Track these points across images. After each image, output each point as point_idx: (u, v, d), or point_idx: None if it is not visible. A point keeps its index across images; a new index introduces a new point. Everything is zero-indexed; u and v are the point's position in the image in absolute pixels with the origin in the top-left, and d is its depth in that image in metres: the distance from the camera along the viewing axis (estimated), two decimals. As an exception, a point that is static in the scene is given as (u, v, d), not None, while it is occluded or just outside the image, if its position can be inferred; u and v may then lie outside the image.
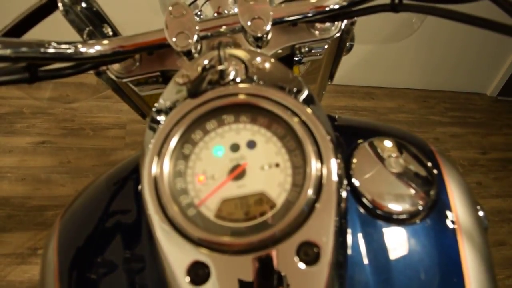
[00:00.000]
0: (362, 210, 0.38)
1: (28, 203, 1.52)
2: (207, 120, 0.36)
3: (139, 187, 0.44)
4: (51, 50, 0.39)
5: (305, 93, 0.37)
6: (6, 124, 1.78)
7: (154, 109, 0.39)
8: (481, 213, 0.44)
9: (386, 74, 2.57)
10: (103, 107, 1.95)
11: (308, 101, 0.37)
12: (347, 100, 2.40)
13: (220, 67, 0.36)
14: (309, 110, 0.35)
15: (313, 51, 0.57)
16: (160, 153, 0.34)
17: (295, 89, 0.37)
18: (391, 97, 2.53)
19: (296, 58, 0.57)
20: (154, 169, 0.33)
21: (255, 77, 0.38)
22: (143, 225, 0.42)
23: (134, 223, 0.43)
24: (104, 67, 0.53)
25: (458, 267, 0.37)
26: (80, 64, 0.45)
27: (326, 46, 0.57)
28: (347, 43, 0.68)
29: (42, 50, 0.39)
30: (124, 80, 0.54)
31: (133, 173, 0.48)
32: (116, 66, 0.53)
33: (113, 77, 0.54)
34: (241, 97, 0.35)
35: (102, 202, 0.46)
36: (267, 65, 0.39)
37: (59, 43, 0.40)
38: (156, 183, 0.33)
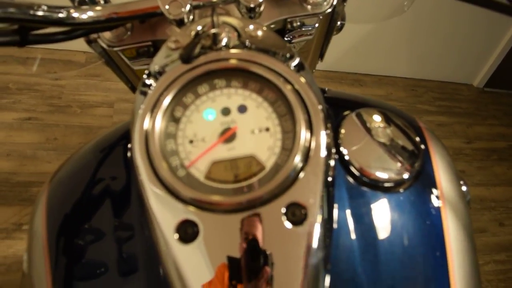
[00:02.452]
0: (349, 178, 0.38)
1: (13, 179, 1.50)
2: (199, 84, 0.36)
3: (128, 153, 0.44)
4: (42, 13, 0.39)
5: (297, 61, 0.37)
6: (-10, 99, 1.75)
7: (145, 74, 0.39)
8: (464, 188, 0.46)
9: (375, 62, 2.58)
10: (91, 85, 1.92)
11: (300, 68, 0.37)
12: (336, 86, 2.41)
13: (213, 31, 0.36)
14: (301, 78, 0.35)
15: (303, 28, 0.57)
16: (151, 114, 0.34)
17: (287, 56, 0.38)
18: (379, 85, 2.54)
19: (287, 38, 0.57)
20: (145, 129, 0.33)
21: (247, 44, 0.38)
22: (132, 191, 0.42)
23: (123, 189, 0.44)
24: (95, 35, 0.53)
25: (441, 235, 0.38)
26: (72, 30, 0.45)
27: (317, 25, 0.57)
28: (339, 22, 0.68)
29: (33, 12, 0.38)
30: (115, 48, 0.53)
31: (122, 139, 0.48)
32: (107, 34, 0.52)
33: (104, 45, 0.53)
34: (233, 62, 0.36)
35: (90, 168, 0.46)
36: (259, 32, 0.39)
37: (51, 6, 0.40)
38: (147, 142, 0.33)
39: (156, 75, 0.39)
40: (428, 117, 2.43)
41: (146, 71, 0.40)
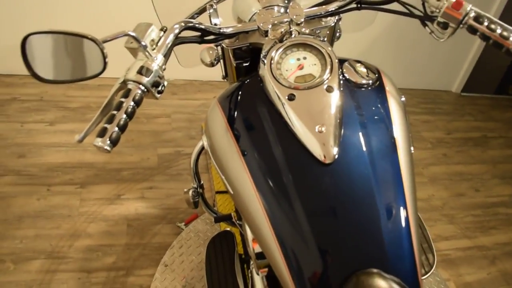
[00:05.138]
0: (349, 84, 0.92)
1: (108, 167, 2.05)
2: (287, 49, 0.91)
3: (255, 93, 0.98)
4: (212, 28, 0.94)
5: (324, 39, 0.93)
6: (79, 114, 2.33)
7: (262, 53, 0.93)
8: (403, 98, 0.99)
9: (369, 76, 3.17)
10: (151, 102, 2.50)
11: (324, 41, 0.92)
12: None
13: (291, 29, 0.92)
14: (326, 45, 0.90)
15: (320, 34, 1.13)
16: (271, 61, 0.89)
17: (320, 39, 0.93)
18: (374, 94, 3.12)
19: None
20: (271, 67, 0.88)
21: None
22: (261, 96, 0.94)
23: (259, 94, 0.94)
24: (221, 41, 1.08)
25: (388, 107, 0.91)
26: (217, 38, 0.99)
27: (328, 32, 1.14)
28: (338, 33, 1.24)
29: (210, 28, 0.94)
30: (229, 48, 1.09)
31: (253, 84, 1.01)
32: (226, 41, 1.08)
33: (224, 46, 1.08)
34: (300, 40, 0.91)
35: (240, 89, 0.97)
36: (307, 31, 0.95)
37: (215, 26, 0.95)
38: (272, 74, 0.87)
39: (266, 52, 0.93)
40: (414, 116, 2.99)
41: (264, 50, 0.94)
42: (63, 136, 2.16)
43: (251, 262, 1.25)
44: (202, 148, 1.22)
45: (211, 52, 1.12)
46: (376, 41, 2.96)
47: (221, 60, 1.18)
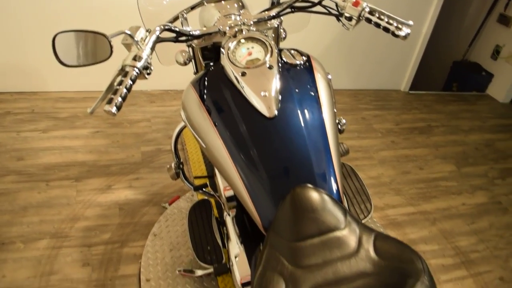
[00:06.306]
0: (285, 65, 1.26)
1: (98, 164, 2.33)
2: (239, 42, 1.25)
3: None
4: (184, 31, 1.28)
5: (269, 35, 1.27)
6: (69, 122, 2.61)
7: (222, 46, 1.27)
8: (329, 76, 1.34)
9: (326, 79, 3.58)
10: (132, 110, 2.81)
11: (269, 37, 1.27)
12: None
13: (242, 28, 1.27)
14: (268, 38, 1.25)
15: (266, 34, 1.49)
16: (228, 50, 1.23)
17: (265, 33, 1.27)
18: (331, 95, 3.52)
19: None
20: (227, 55, 1.22)
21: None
22: (223, 79, 1.28)
23: (221, 77, 1.29)
24: (191, 41, 1.42)
25: (314, 80, 1.26)
26: (188, 38, 1.34)
27: (273, 34, 1.49)
28: (283, 34, 1.60)
29: (182, 31, 1.28)
30: (198, 46, 1.43)
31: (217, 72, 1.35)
32: (195, 41, 1.42)
33: (194, 45, 1.42)
34: (249, 35, 1.25)
35: (206, 75, 1.32)
36: (254, 29, 1.30)
37: (190, 30, 1.30)
38: (229, 58, 1.21)
39: (224, 44, 1.28)
40: (367, 112, 3.39)
41: (223, 44, 1.28)
42: (56, 141, 2.44)
43: (224, 214, 1.57)
44: (180, 129, 1.56)
45: (184, 54, 1.44)
46: (331, 47, 3.37)
47: (193, 60, 1.51)
